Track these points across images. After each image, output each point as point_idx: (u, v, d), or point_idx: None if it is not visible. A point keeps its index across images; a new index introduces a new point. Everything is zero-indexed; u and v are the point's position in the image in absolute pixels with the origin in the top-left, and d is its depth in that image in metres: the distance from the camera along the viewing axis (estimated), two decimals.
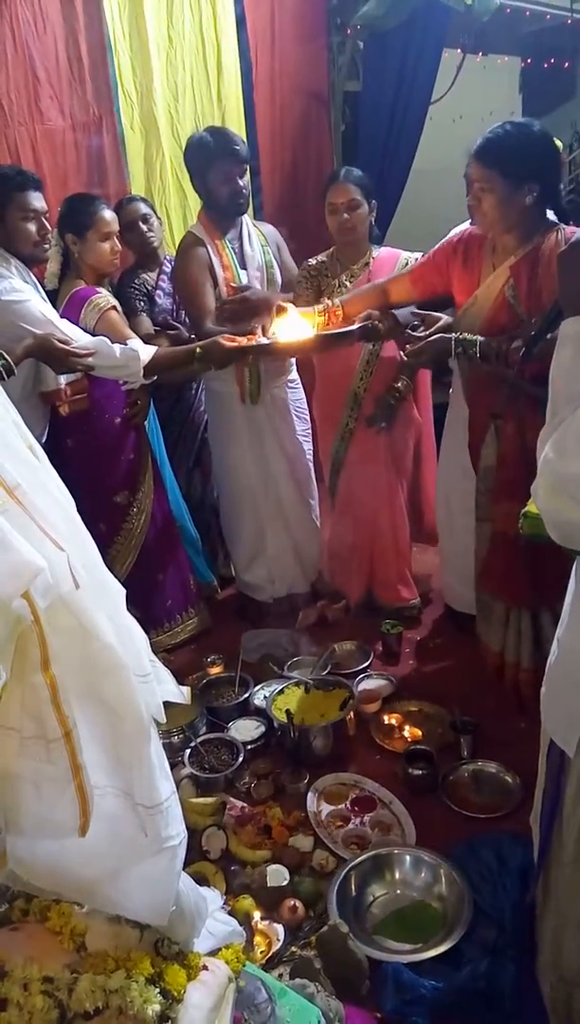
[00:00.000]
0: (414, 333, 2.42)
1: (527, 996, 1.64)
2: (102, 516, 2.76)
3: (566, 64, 5.69)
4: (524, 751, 1.84)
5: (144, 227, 3.10)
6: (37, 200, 2.41)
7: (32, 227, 2.41)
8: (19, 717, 1.05)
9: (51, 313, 2.44)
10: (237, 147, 2.79)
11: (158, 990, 1.19)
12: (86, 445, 2.72)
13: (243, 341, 2.51)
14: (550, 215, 2.25)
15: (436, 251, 2.50)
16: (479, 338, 2.24)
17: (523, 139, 2.10)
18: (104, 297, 2.65)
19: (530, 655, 2.43)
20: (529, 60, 5.82)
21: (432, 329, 2.39)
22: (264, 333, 2.61)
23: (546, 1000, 1.55)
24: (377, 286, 2.64)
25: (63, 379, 2.56)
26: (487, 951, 1.78)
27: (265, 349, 2.56)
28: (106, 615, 1.10)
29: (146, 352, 2.51)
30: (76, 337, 2.41)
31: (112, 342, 2.47)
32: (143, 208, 3.13)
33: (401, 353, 2.69)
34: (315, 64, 4.11)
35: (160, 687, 1.22)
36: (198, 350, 2.52)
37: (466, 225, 2.81)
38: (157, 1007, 1.17)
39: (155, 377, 2.64)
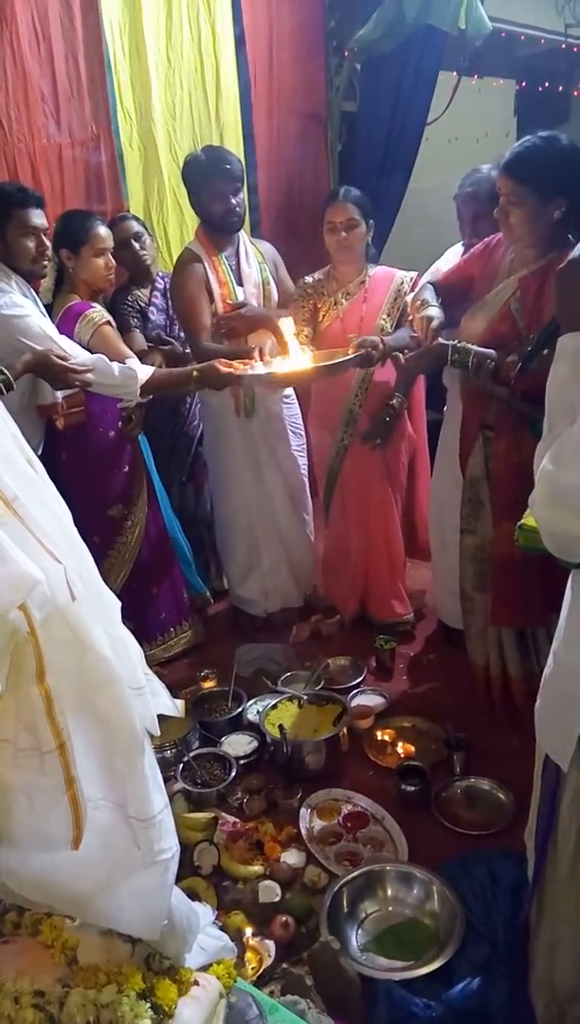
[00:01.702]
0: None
1: (519, 1014, 1.64)
2: (96, 530, 2.76)
3: (560, 88, 5.77)
4: (517, 768, 1.85)
5: (136, 245, 3.13)
6: (37, 217, 2.43)
7: (31, 244, 2.43)
8: (13, 729, 1.05)
9: (50, 329, 2.45)
10: (229, 166, 2.81)
11: (149, 1005, 1.18)
12: (80, 459, 2.73)
13: (239, 366, 2.53)
14: None
15: (466, 260, 2.50)
16: (474, 348, 2.23)
17: (553, 153, 2.08)
18: (98, 312, 2.67)
19: (518, 666, 2.44)
20: (524, 83, 5.90)
21: (427, 346, 2.40)
22: (261, 356, 2.63)
23: (539, 1019, 1.54)
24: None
25: (60, 393, 2.57)
26: (479, 969, 1.77)
27: (261, 380, 2.58)
28: (102, 627, 1.11)
29: (144, 372, 2.53)
30: (75, 353, 2.43)
31: (108, 357, 2.49)
32: (136, 226, 3.16)
33: (398, 358, 2.69)
34: (313, 85, 4.17)
35: (154, 700, 1.23)
36: (195, 373, 2.55)
37: (459, 247, 2.85)
38: (148, 1022, 1.16)
39: (151, 396, 2.66)
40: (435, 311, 2.41)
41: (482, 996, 1.71)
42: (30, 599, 0.97)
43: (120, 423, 2.78)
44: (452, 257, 2.85)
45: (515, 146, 2.12)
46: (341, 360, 2.56)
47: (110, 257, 2.73)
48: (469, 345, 2.25)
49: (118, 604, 1.21)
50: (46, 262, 2.51)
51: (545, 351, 1.99)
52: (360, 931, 1.94)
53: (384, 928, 1.94)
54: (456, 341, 2.28)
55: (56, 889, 1.17)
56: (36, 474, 1.12)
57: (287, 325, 2.68)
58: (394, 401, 2.92)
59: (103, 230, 2.70)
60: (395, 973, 1.78)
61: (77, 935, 1.22)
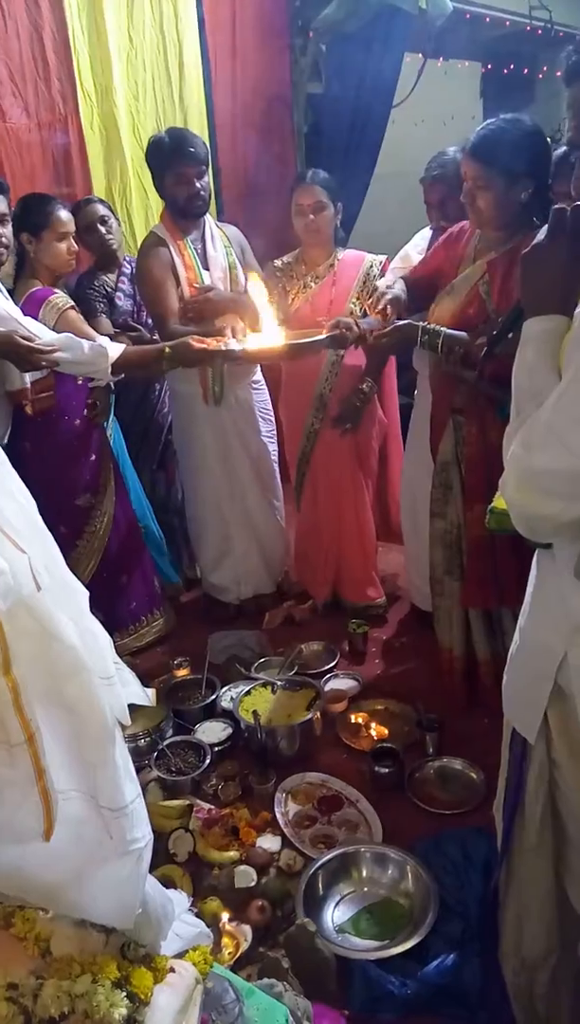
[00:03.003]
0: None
1: (492, 989, 1.67)
2: (64, 520, 2.73)
3: (525, 70, 5.78)
4: (488, 747, 1.86)
5: (102, 229, 3.08)
6: None
7: None
8: None
9: (14, 311, 2.41)
10: (193, 149, 2.77)
11: (124, 993, 1.18)
12: (46, 448, 2.69)
13: (212, 343, 2.50)
14: None
15: (432, 251, 2.50)
16: (444, 329, 2.23)
17: (517, 135, 2.06)
18: (62, 297, 2.63)
19: (485, 648, 2.47)
20: (489, 65, 5.90)
21: (396, 324, 2.38)
22: (234, 335, 2.61)
23: (508, 987, 1.57)
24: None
25: (28, 378, 2.53)
26: (453, 946, 1.80)
27: (233, 356, 2.55)
28: (69, 617, 1.09)
29: (115, 349, 2.49)
30: (41, 334, 2.38)
31: None
32: (101, 210, 3.11)
33: (366, 337, 2.68)
34: (277, 66, 4.12)
35: (124, 689, 1.22)
36: (167, 350, 2.51)
37: (427, 231, 2.84)
38: (124, 1011, 1.16)
39: (121, 376, 2.62)
40: (389, 284, 2.42)
41: (456, 972, 1.74)
42: None
43: (86, 411, 2.75)
44: (419, 241, 2.85)
45: (479, 129, 2.11)
46: (315, 339, 2.53)
47: (72, 241, 2.68)
48: (439, 327, 2.24)
49: (86, 593, 1.20)
50: (3, 250, 2.45)
51: (510, 335, 2.00)
52: (336, 912, 1.96)
53: (359, 909, 1.96)
54: (426, 324, 2.27)
55: (28, 881, 1.15)
56: None
57: (258, 290, 2.64)
58: (364, 385, 2.92)
59: (64, 214, 2.65)
60: (371, 953, 1.80)
61: (50, 926, 1.21)
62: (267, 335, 2.58)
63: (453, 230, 2.41)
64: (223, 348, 2.50)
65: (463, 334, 2.20)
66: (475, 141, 2.09)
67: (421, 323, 2.28)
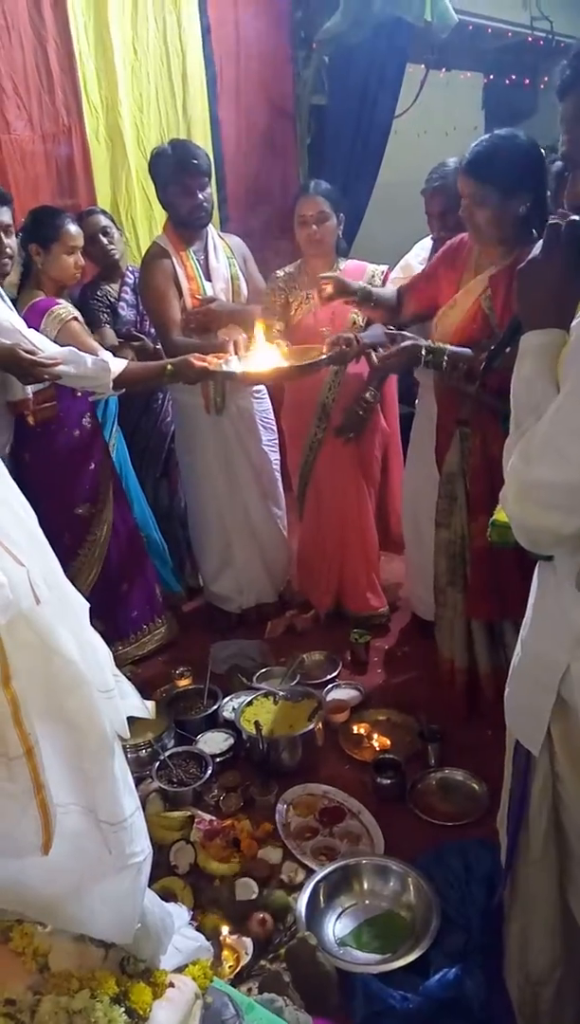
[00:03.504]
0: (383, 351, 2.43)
1: (496, 1003, 1.65)
2: (65, 529, 2.75)
3: (527, 81, 5.80)
4: (490, 758, 1.86)
5: (104, 240, 3.10)
6: None
7: None
8: None
9: (18, 322, 2.42)
10: (196, 161, 2.78)
11: (123, 1009, 1.17)
12: (46, 459, 2.70)
13: (212, 360, 2.51)
14: None
15: (431, 265, 2.50)
16: (448, 347, 2.23)
17: (511, 150, 2.07)
18: (65, 308, 2.64)
19: (487, 660, 2.46)
20: (491, 76, 5.92)
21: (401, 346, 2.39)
22: (236, 350, 2.62)
23: (513, 1001, 1.56)
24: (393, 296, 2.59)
25: (30, 389, 2.54)
26: (456, 959, 1.79)
27: (234, 376, 2.56)
28: (69, 631, 1.09)
29: (117, 365, 2.50)
30: (44, 347, 2.39)
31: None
32: (103, 220, 3.12)
33: (371, 357, 2.69)
34: (280, 77, 4.15)
35: (124, 702, 1.21)
36: (168, 367, 2.53)
37: (428, 241, 2.85)
38: None
39: (122, 390, 2.63)
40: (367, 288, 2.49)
41: (459, 986, 1.73)
42: None
43: (87, 421, 2.75)
44: (420, 251, 2.86)
45: (474, 146, 2.11)
46: (316, 360, 2.54)
47: (80, 256, 2.70)
48: (443, 345, 2.24)
49: (86, 606, 1.19)
50: (7, 260, 2.46)
51: (509, 348, 2.00)
52: (337, 925, 1.95)
53: (361, 922, 1.95)
54: (430, 342, 2.28)
55: (26, 895, 1.15)
56: None
57: (259, 331, 2.66)
58: (367, 395, 2.93)
59: (74, 228, 2.67)
60: (372, 967, 1.79)
61: (49, 941, 1.20)
62: (268, 355, 2.58)
63: (453, 242, 2.41)
64: (224, 367, 2.50)
65: (467, 351, 2.20)
66: (469, 158, 2.10)
67: (424, 342, 2.28)
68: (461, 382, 2.22)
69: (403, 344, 2.31)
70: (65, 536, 2.73)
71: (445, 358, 2.22)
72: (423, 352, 2.25)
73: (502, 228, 2.13)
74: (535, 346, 1.16)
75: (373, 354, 2.41)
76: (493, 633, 2.44)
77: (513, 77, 5.78)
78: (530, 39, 5.34)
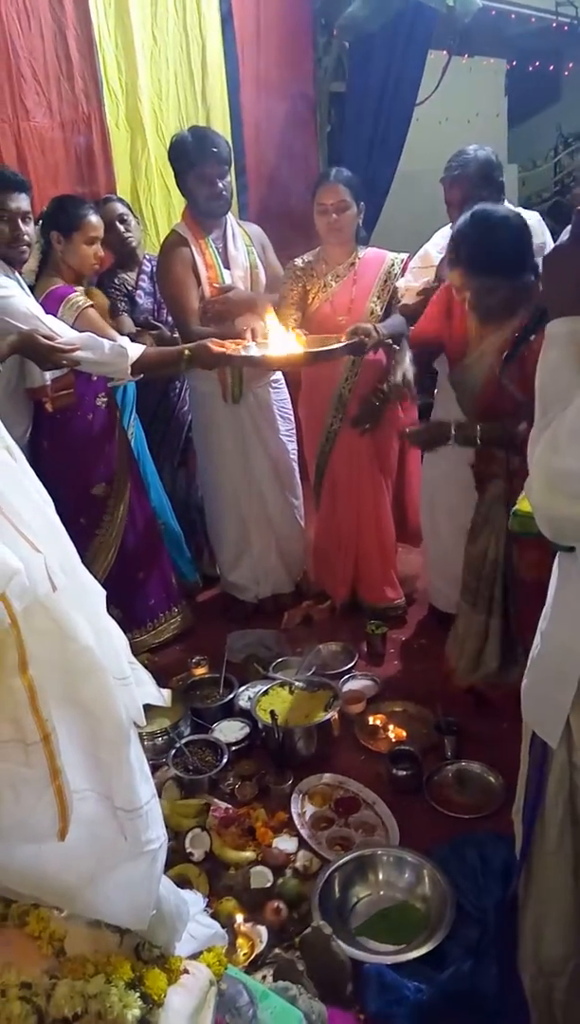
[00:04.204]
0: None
1: (510, 995, 1.65)
2: (82, 511, 2.76)
3: (551, 66, 5.72)
4: (507, 751, 1.84)
5: (121, 227, 3.10)
6: (13, 201, 2.37)
7: (5, 228, 2.39)
8: None
9: (36, 309, 2.42)
10: (216, 149, 2.76)
11: (138, 994, 1.18)
12: (63, 444, 2.70)
13: (230, 346, 2.50)
14: None
15: (429, 320, 2.52)
16: (478, 426, 2.25)
17: (505, 235, 2.06)
18: (81, 296, 2.64)
19: (495, 677, 2.37)
20: (514, 62, 5.84)
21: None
22: (253, 337, 2.61)
23: (527, 993, 1.56)
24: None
25: (48, 375, 2.55)
26: (470, 951, 1.79)
27: (252, 361, 2.56)
28: (85, 617, 1.09)
29: (134, 350, 2.50)
30: (62, 333, 2.39)
31: None
32: (120, 208, 3.12)
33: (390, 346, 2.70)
34: (300, 64, 4.12)
35: (140, 690, 1.21)
36: (186, 352, 2.52)
37: (447, 229, 2.81)
38: (137, 1012, 1.16)
39: (140, 375, 2.63)
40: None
41: (473, 978, 1.72)
42: (9, 590, 0.95)
43: (100, 403, 2.76)
44: (439, 240, 2.82)
45: (460, 238, 2.10)
46: (333, 347, 2.53)
47: (99, 246, 2.70)
48: (469, 423, 2.29)
49: (102, 593, 1.19)
50: (24, 247, 2.46)
51: (533, 337, 1.98)
52: (352, 915, 1.95)
53: (376, 912, 1.95)
54: (455, 421, 2.31)
55: (43, 881, 1.16)
56: (15, 462, 1.10)
57: (270, 317, 2.66)
58: (384, 385, 2.90)
59: (95, 218, 2.66)
60: (387, 957, 1.79)
61: (65, 926, 1.21)
62: (286, 342, 2.57)
63: (442, 299, 2.43)
64: (242, 353, 2.49)
65: (497, 425, 2.20)
66: (450, 247, 2.13)
67: (451, 421, 2.32)
68: (499, 450, 2.23)
69: (432, 423, 2.40)
70: (81, 518, 2.74)
71: (477, 436, 2.25)
72: (452, 430, 2.29)
73: (504, 307, 2.13)
74: (561, 334, 1.15)
75: (393, 344, 2.42)
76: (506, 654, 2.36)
77: (537, 63, 5.71)
78: (554, 24, 5.26)
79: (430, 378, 3.01)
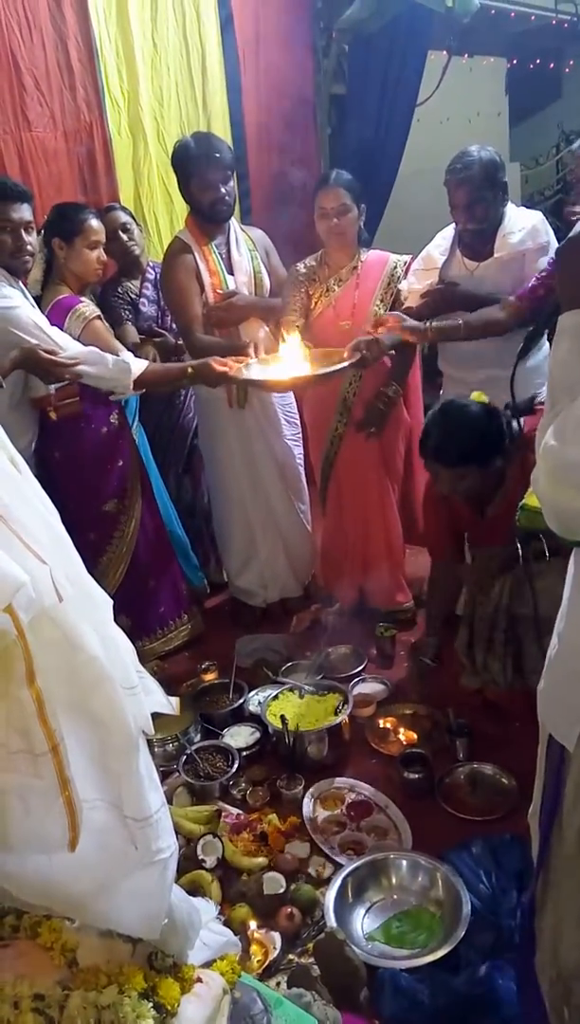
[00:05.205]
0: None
1: (526, 1000, 1.64)
2: (92, 526, 2.76)
3: (551, 64, 5.71)
4: (519, 752, 1.84)
5: (124, 236, 3.10)
6: (16, 211, 2.38)
7: (8, 239, 2.39)
8: (5, 731, 1.04)
9: (41, 320, 2.43)
10: (219, 155, 2.76)
11: (151, 1004, 1.18)
12: (73, 456, 2.71)
13: (233, 365, 2.51)
14: None
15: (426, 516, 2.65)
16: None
17: (475, 432, 2.17)
18: (88, 306, 2.64)
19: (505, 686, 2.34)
20: (515, 61, 5.83)
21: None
22: (256, 352, 2.60)
23: (545, 998, 1.54)
24: None
25: (52, 385, 2.56)
26: (485, 955, 1.77)
27: (255, 384, 2.57)
28: (91, 627, 1.09)
29: (138, 366, 2.51)
30: (66, 346, 2.40)
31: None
32: (123, 217, 3.13)
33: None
34: (301, 67, 4.12)
35: (148, 698, 1.21)
36: (189, 370, 2.54)
37: (450, 230, 2.81)
38: (151, 1022, 1.15)
39: (143, 390, 2.64)
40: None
41: (488, 982, 1.71)
42: (16, 601, 0.95)
43: (112, 418, 2.76)
44: (441, 241, 2.81)
45: (424, 427, 2.27)
46: (337, 367, 2.53)
47: (102, 251, 2.70)
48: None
49: (109, 603, 1.19)
50: (27, 257, 2.47)
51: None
52: (365, 920, 1.94)
53: (389, 917, 1.94)
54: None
55: (54, 891, 1.16)
56: (19, 473, 1.10)
57: (293, 338, 2.67)
58: (389, 390, 2.90)
59: (96, 223, 2.67)
60: (401, 962, 1.78)
61: (77, 936, 1.21)
62: (289, 363, 2.58)
63: (431, 495, 2.52)
64: (244, 373, 2.51)
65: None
66: (431, 447, 2.24)
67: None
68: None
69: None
70: (92, 533, 2.74)
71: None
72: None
73: (485, 489, 2.29)
74: (573, 326, 1.14)
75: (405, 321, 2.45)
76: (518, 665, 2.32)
77: (537, 61, 5.70)
78: (554, 22, 5.25)
79: (436, 378, 3.01)
